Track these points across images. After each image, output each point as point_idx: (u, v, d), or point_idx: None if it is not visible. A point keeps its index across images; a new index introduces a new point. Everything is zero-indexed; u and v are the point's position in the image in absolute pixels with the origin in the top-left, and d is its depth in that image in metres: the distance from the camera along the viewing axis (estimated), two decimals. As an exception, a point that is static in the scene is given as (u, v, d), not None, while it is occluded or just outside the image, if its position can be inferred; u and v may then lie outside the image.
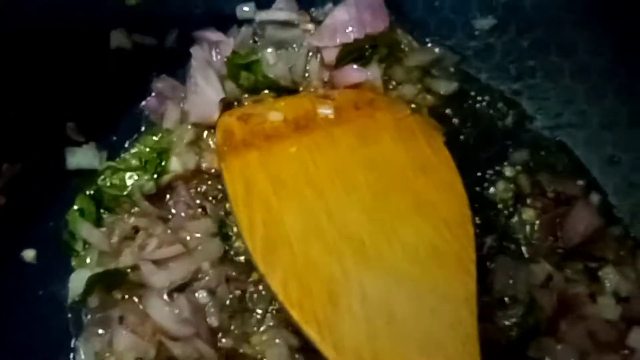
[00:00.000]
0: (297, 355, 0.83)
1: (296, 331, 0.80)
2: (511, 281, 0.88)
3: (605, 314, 0.86)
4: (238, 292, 0.88)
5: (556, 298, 0.87)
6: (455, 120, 1.00)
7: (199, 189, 0.95)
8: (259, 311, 0.87)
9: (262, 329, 0.86)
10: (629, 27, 0.90)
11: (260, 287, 0.88)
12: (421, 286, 0.76)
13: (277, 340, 0.85)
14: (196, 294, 0.86)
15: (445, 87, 1.00)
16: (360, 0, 0.98)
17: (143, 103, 1.00)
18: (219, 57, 0.99)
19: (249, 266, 0.88)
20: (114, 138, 0.97)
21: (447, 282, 0.76)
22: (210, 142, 0.96)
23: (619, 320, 0.85)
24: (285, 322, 0.85)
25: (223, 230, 0.91)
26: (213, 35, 1.00)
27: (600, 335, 0.85)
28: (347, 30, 0.97)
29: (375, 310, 0.74)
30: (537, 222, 0.93)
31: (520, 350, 0.84)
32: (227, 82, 0.98)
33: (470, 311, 0.74)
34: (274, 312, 0.87)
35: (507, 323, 0.85)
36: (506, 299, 0.86)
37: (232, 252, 0.91)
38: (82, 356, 0.86)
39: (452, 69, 1.02)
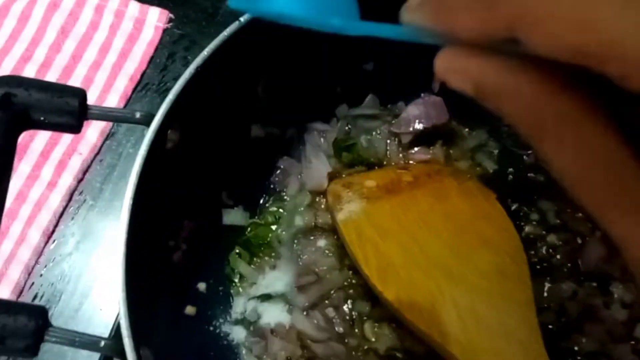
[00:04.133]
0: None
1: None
2: (547, 295, 1.22)
3: (617, 317, 1.17)
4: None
5: (581, 307, 1.20)
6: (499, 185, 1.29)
7: (316, 240, 1.25)
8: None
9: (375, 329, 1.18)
10: None
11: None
12: (495, 295, 1.07)
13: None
14: (325, 310, 1.19)
15: (488, 161, 1.33)
16: (426, 100, 1.30)
17: (272, 177, 1.30)
18: (325, 142, 1.30)
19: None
20: (254, 203, 1.28)
21: (512, 292, 1.08)
22: (322, 205, 1.26)
23: (627, 320, 1.17)
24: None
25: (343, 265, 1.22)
26: (321, 126, 1.31)
27: (614, 332, 1.16)
28: (417, 122, 1.28)
29: (465, 312, 1.04)
30: (561, 254, 1.24)
31: (558, 342, 1.16)
32: (331, 160, 1.28)
33: (531, 311, 1.05)
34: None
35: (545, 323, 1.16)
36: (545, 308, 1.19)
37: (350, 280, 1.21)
38: (246, 357, 1.17)
39: (493, 149, 1.34)
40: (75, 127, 0.97)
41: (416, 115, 1.31)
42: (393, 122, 1.33)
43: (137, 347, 0.90)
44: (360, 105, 1.35)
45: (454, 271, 1.10)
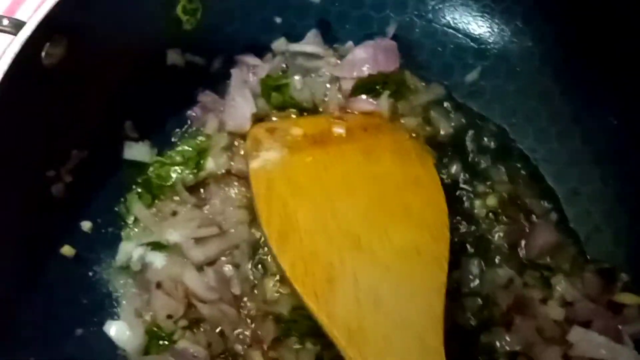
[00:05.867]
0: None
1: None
2: (478, 281, 1.06)
3: (552, 315, 1.02)
4: (261, 269, 1.06)
5: (513, 298, 1.04)
6: (449, 148, 1.16)
7: (227, 188, 1.11)
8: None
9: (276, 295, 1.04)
10: (596, 81, 1.08)
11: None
12: (402, 277, 0.93)
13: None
14: (223, 268, 1.05)
15: (442, 121, 1.16)
16: (377, 43, 1.15)
17: (189, 112, 1.16)
18: (254, 78, 1.16)
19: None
20: (163, 138, 1.14)
21: (422, 275, 0.94)
22: (241, 150, 1.12)
23: (562, 321, 1.01)
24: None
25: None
26: (251, 60, 1.17)
27: (546, 331, 1.01)
28: (363, 67, 1.14)
29: (363, 292, 0.91)
30: (504, 233, 1.09)
31: (477, 336, 1.01)
32: (259, 100, 1.14)
33: (439, 298, 0.91)
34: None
35: (468, 313, 1.03)
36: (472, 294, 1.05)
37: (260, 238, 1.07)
38: (125, 310, 1.04)
39: (448, 105, 1.18)
40: None
41: (363, 59, 1.15)
42: (335, 64, 1.17)
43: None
44: (301, 41, 1.19)
45: (363, 242, 0.97)
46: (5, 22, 0.89)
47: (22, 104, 0.90)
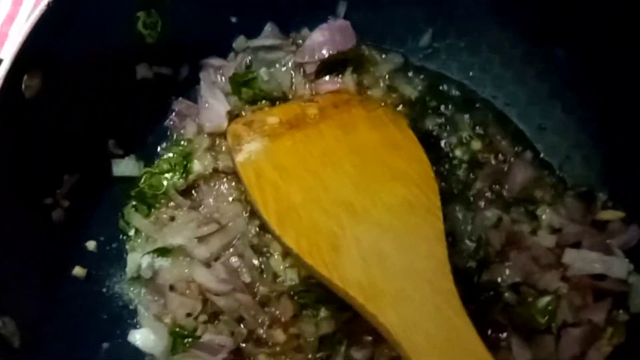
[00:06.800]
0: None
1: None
2: (470, 226, 1.13)
3: (544, 243, 1.09)
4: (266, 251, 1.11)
5: (505, 236, 1.11)
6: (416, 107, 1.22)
7: (217, 186, 1.16)
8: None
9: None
10: (540, 21, 1.13)
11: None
12: (401, 231, 0.98)
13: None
14: (230, 260, 1.09)
15: (405, 87, 1.23)
16: (331, 25, 1.20)
17: (167, 121, 1.20)
18: (222, 78, 1.20)
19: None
20: (147, 150, 1.18)
21: (420, 226, 0.99)
22: (223, 147, 1.17)
23: (554, 247, 1.08)
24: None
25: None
26: (216, 61, 1.21)
27: (541, 259, 1.08)
28: (322, 49, 1.18)
29: (368, 251, 0.95)
30: (484, 177, 1.16)
31: (478, 275, 1.08)
32: (231, 98, 1.18)
33: (441, 245, 0.96)
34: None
35: (465, 257, 1.09)
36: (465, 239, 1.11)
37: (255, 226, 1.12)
38: (144, 317, 1.08)
39: (409, 72, 1.25)
40: None
41: (321, 42, 1.20)
42: (296, 51, 1.21)
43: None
44: (259, 35, 1.23)
45: (357, 208, 1.01)
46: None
47: (12, 137, 0.93)
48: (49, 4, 0.94)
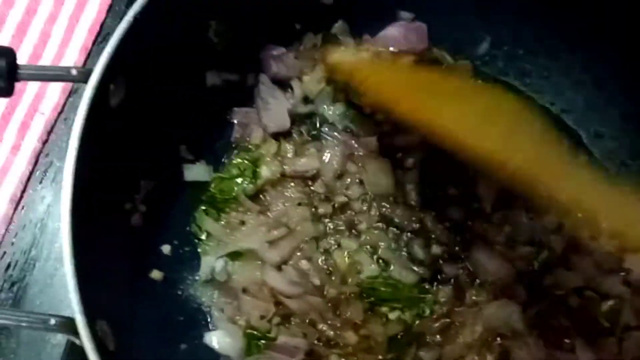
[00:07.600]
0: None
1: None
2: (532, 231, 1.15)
3: (605, 248, 1.11)
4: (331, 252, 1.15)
5: (566, 241, 1.13)
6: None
7: (285, 191, 1.19)
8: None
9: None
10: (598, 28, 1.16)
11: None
12: None
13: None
14: (299, 263, 1.13)
15: None
16: (408, 24, 1.24)
17: (234, 127, 1.22)
18: (283, 65, 1.21)
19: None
20: (215, 155, 1.21)
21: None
22: (289, 153, 1.20)
23: (616, 252, 1.11)
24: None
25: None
26: (276, 51, 1.21)
27: (604, 264, 1.11)
28: (394, 44, 1.22)
29: None
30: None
31: (541, 279, 1.11)
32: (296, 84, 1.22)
33: None
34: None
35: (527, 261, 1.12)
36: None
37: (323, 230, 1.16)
38: (219, 320, 1.12)
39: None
40: (5, 91, 0.89)
41: (395, 37, 1.23)
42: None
43: (91, 323, 0.83)
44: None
45: None
46: (74, 72, 0.95)
47: (101, 144, 0.96)
48: (135, 17, 0.96)
